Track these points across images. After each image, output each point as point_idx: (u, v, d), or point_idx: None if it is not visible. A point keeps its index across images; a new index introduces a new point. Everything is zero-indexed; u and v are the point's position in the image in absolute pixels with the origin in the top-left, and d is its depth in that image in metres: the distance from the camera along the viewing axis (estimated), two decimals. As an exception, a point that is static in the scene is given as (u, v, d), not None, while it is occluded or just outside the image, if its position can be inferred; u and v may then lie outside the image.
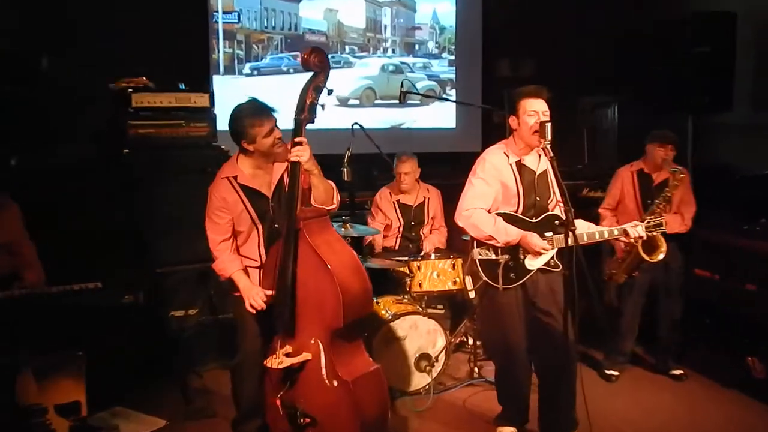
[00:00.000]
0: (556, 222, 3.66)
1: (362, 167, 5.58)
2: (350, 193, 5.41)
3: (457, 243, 5.11)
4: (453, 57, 7.50)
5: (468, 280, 4.69)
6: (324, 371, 3.33)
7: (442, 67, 7.48)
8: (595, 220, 3.92)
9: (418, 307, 4.76)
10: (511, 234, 3.58)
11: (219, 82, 6.58)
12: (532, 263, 3.63)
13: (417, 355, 4.60)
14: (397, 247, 5.49)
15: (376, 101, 7.14)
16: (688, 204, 4.77)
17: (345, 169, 4.70)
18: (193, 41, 6.39)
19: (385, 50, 7.25)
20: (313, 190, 3.43)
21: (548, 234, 3.62)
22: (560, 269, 3.60)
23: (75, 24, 5.63)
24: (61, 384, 3.75)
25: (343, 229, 4.58)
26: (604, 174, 5.90)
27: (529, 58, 7.35)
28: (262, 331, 3.55)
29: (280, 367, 3.32)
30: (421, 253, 5.11)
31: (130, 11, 5.87)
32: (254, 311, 3.45)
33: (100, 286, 3.82)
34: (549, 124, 3.42)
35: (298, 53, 6.87)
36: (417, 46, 7.39)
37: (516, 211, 3.67)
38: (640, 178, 4.84)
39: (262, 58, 6.80)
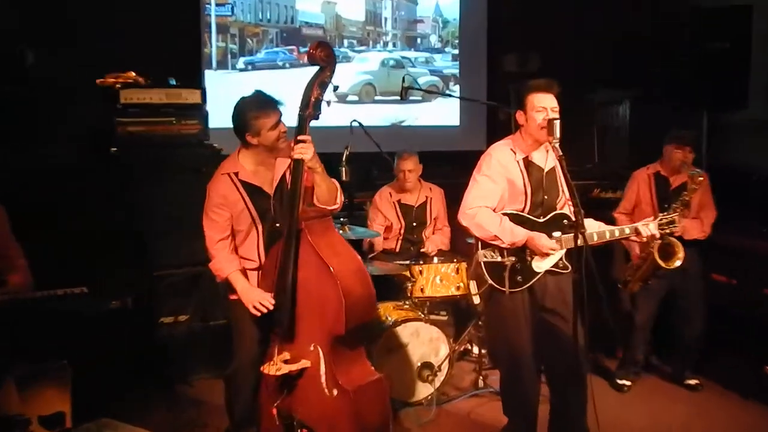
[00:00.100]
0: (565, 221, 3.65)
1: (361, 167, 5.59)
2: (349, 193, 5.40)
3: (461, 246, 5.10)
4: (456, 51, 7.51)
5: (472, 284, 4.68)
6: (323, 379, 3.32)
7: (445, 62, 7.49)
8: (606, 221, 3.91)
9: (419, 313, 4.75)
10: (517, 234, 3.57)
11: (211, 77, 6.59)
12: (540, 265, 3.63)
13: (419, 364, 4.59)
14: (398, 250, 5.47)
15: (376, 97, 7.14)
16: (708, 209, 4.76)
17: (343, 169, 4.68)
18: (185, 35, 6.39)
19: (386, 44, 7.25)
20: (315, 188, 3.43)
21: (556, 234, 3.62)
22: (569, 271, 3.61)
23: (61, 17, 5.63)
24: (45, 394, 3.73)
25: (341, 232, 4.58)
26: (615, 174, 5.91)
27: (536, 52, 7.35)
28: (260, 338, 3.55)
29: (278, 374, 3.32)
30: (422, 250, 5.10)
31: (117, 3, 5.87)
32: (256, 315, 3.43)
33: (86, 291, 3.81)
34: (558, 122, 3.42)
35: (294, 47, 6.88)
36: (419, 40, 7.40)
37: (523, 210, 3.66)
38: (657, 181, 4.83)
39: (256, 53, 6.81)
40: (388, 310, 4.70)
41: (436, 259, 4.94)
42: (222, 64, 6.69)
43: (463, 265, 4.85)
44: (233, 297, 3.58)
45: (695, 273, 4.74)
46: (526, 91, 3.64)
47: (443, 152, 7.01)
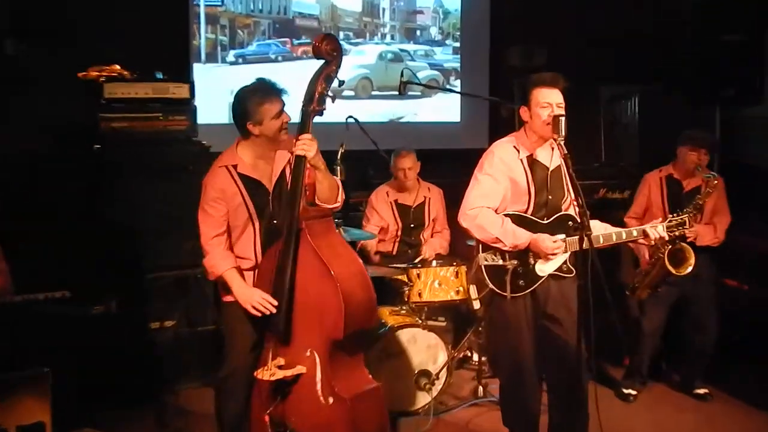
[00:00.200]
0: (570, 223, 3.66)
1: (357, 165, 5.60)
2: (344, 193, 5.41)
3: (461, 248, 5.11)
4: (458, 44, 7.51)
5: (473, 288, 4.69)
6: (319, 386, 3.32)
7: (446, 55, 7.49)
8: (613, 223, 3.92)
9: (417, 319, 4.75)
10: (520, 237, 3.57)
11: (200, 71, 6.58)
12: (543, 268, 3.63)
13: (416, 372, 4.59)
14: (394, 253, 5.48)
15: (373, 92, 7.14)
16: (722, 214, 4.76)
17: (338, 167, 4.70)
18: (172, 26, 6.38)
19: (384, 36, 7.26)
20: (317, 185, 3.44)
21: (561, 236, 3.62)
22: (574, 275, 3.61)
23: (42, 7, 5.62)
24: (24, 403, 3.72)
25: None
26: (623, 173, 5.90)
27: (541, 45, 7.35)
28: (253, 343, 3.55)
29: (272, 379, 3.32)
30: (419, 259, 5.11)
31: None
32: (254, 315, 3.41)
33: (68, 295, 3.81)
34: (563, 118, 3.42)
35: (287, 40, 6.88)
36: (418, 32, 7.40)
37: (526, 211, 3.66)
38: (669, 184, 4.83)
39: (247, 45, 6.81)
40: (384, 316, 4.70)
41: (434, 263, 4.93)
42: (211, 57, 6.68)
43: (463, 268, 4.85)
44: (226, 299, 3.58)
45: (707, 278, 4.75)
46: (531, 86, 3.63)
47: (443, 150, 7.02)
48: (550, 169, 3.71)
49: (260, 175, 3.53)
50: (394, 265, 5.02)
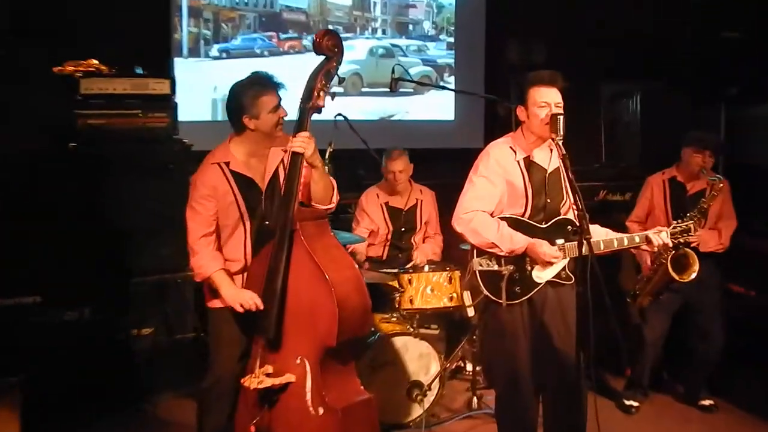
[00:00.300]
0: (569, 228, 3.65)
1: (346, 165, 5.57)
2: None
3: (455, 253, 5.08)
4: (452, 39, 7.51)
5: (466, 295, 4.68)
6: (309, 396, 3.31)
7: (440, 51, 7.49)
8: (614, 226, 3.91)
9: (408, 327, 4.74)
10: (516, 241, 3.56)
11: (182, 66, 6.54)
12: (541, 275, 3.62)
13: (407, 383, 4.57)
14: (384, 257, 5.46)
15: (363, 89, 7.13)
16: (727, 218, 4.77)
17: (326, 167, 4.67)
18: (152, 18, 6.34)
19: (374, 31, 7.25)
20: (312, 185, 3.46)
21: (559, 241, 3.61)
22: (572, 282, 3.60)
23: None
24: (-9, 414, 3.71)
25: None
26: (624, 174, 5.91)
27: (539, 41, 7.36)
28: (240, 351, 3.54)
29: (260, 387, 3.30)
30: (410, 264, 5.09)
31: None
32: (240, 312, 3.40)
33: (39, 300, 3.78)
34: (561, 117, 3.42)
35: (273, 34, 6.86)
36: (411, 27, 7.40)
37: (523, 215, 3.65)
38: (672, 187, 4.84)
39: (232, 39, 6.78)
40: (374, 323, 4.68)
41: (426, 267, 4.92)
42: (194, 52, 6.65)
43: (457, 273, 4.84)
44: (213, 304, 3.57)
45: (712, 284, 4.75)
46: (528, 85, 3.63)
47: (436, 150, 7.01)
48: (548, 171, 3.70)
49: (253, 173, 3.54)
50: (385, 270, 5.01)
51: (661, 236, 3.64)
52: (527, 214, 3.66)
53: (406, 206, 5.50)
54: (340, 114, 4.87)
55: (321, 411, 3.28)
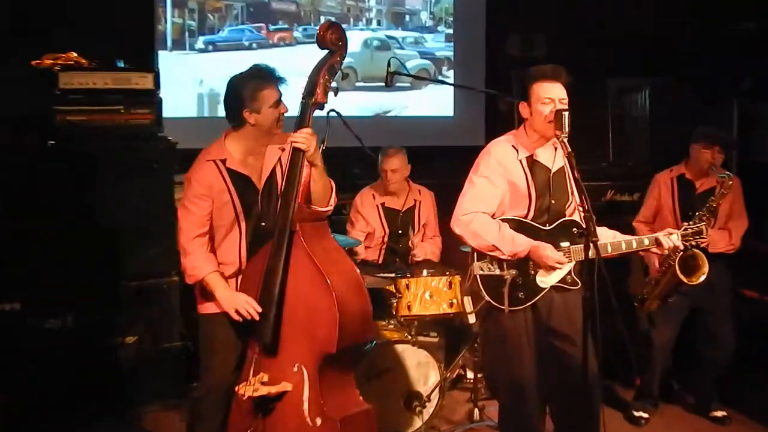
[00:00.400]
0: (575, 230, 3.66)
1: (340, 164, 5.56)
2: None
3: (455, 256, 5.11)
4: (451, 30, 7.53)
5: (467, 300, 4.69)
6: (306, 406, 3.31)
7: (438, 43, 7.50)
8: (622, 228, 3.93)
9: (406, 334, 4.74)
10: (519, 244, 3.58)
11: (166, 59, 6.56)
12: (545, 280, 3.64)
13: (405, 393, 4.59)
14: (380, 261, 5.47)
15: (358, 83, 7.14)
16: (738, 218, 4.79)
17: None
18: (135, 9, 6.35)
19: (369, 22, 7.26)
20: (311, 185, 3.46)
21: (564, 244, 3.63)
22: (579, 287, 3.62)
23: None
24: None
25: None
26: (633, 173, 5.92)
27: (542, 33, 7.37)
28: (234, 359, 3.54)
29: (255, 395, 3.31)
30: (411, 252, 5.09)
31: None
32: (236, 320, 3.40)
33: (18, 307, 3.79)
34: (567, 113, 3.43)
35: (262, 25, 6.87)
36: (407, 17, 7.41)
37: (526, 217, 3.67)
38: (681, 185, 4.86)
39: (218, 31, 6.79)
40: (370, 331, 4.70)
41: (425, 272, 4.93)
42: (178, 44, 6.66)
43: (457, 278, 4.86)
44: (204, 310, 3.58)
45: (722, 287, 4.77)
46: (530, 80, 3.65)
47: (435, 147, 7.03)
48: (553, 171, 3.72)
49: (250, 172, 3.55)
50: (381, 275, 5.00)
51: (672, 239, 3.65)
52: (530, 216, 3.67)
53: (404, 207, 5.51)
54: (333, 110, 4.87)
55: (319, 421, 3.29)
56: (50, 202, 4.76)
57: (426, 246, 5.48)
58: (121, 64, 5.08)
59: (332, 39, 3.40)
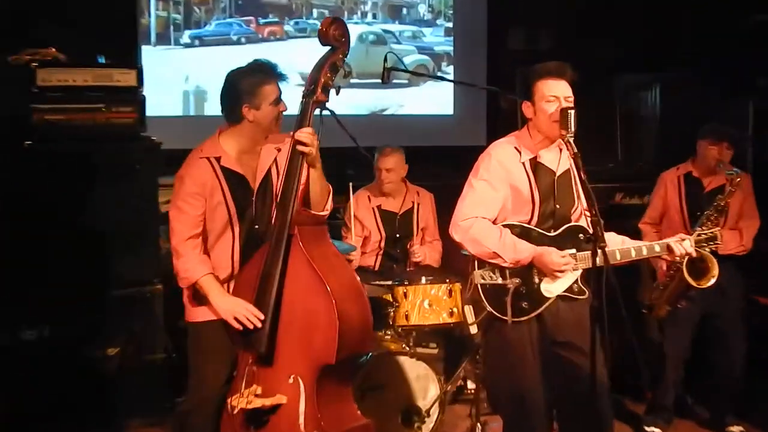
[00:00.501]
0: (581, 236, 3.66)
1: (333, 164, 5.54)
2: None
3: (455, 262, 5.10)
4: (450, 24, 7.53)
5: (468, 310, 4.67)
6: (302, 419, 3.30)
7: (437, 37, 7.51)
8: (631, 233, 3.93)
9: (404, 345, 4.75)
10: (521, 251, 3.57)
11: (150, 54, 6.56)
12: (550, 288, 3.63)
13: (403, 408, 4.59)
14: (377, 268, 5.47)
15: (352, 80, 7.09)
16: (750, 217, 4.80)
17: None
18: (117, 2, 6.36)
19: (364, 15, 7.26)
20: (310, 186, 3.47)
21: (571, 251, 3.62)
22: (586, 296, 3.61)
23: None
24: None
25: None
26: (642, 175, 5.93)
27: (547, 26, 7.38)
28: (226, 371, 3.54)
29: (249, 407, 3.30)
30: (411, 252, 5.08)
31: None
32: (236, 327, 3.37)
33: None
34: (572, 112, 3.42)
35: (251, 18, 6.87)
36: (404, 10, 7.42)
37: (529, 222, 3.67)
38: (688, 184, 4.87)
39: (205, 25, 6.79)
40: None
41: (424, 279, 4.93)
42: (163, 39, 6.66)
43: (457, 285, 4.86)
44: (195, 318, 3.57)
45: (734, 293, 4.79)
46: (534, 78, 3.65)
47: (434, 147, 7.04)
48: (558, 174, 3.71)
49: (245, 171, 3.56)
50: (377, 283, 5.00)
51: (684, 245, 3.65)
52: (534, 221, 3.67)
53: (401, 210, 5.51)
54: (325, 107, 4.88)
55: (315, 436, 3.29)
56: (26, 206, 4.75)
57: (425, 249, 5.47)
58: (102, 60, 5.08)
59: (335, 35, 3.41)
